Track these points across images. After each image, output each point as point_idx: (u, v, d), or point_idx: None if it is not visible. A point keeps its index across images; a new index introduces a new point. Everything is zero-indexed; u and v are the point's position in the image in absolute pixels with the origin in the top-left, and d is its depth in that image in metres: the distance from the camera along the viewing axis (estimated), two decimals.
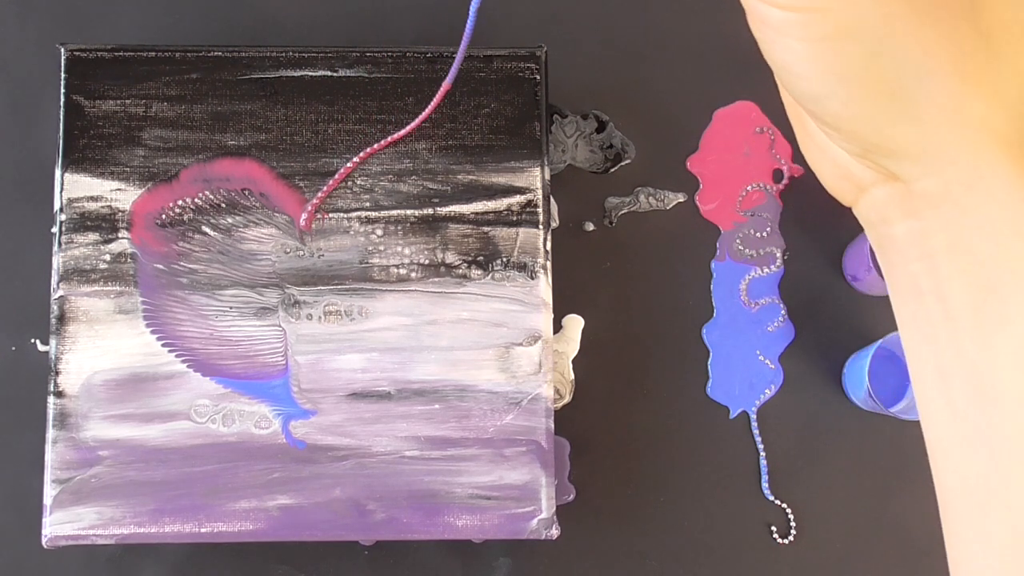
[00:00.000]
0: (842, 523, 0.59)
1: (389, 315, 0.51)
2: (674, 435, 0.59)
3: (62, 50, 0.52)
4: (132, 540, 0.49)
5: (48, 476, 0.49)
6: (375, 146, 0.52)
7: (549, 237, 0.52)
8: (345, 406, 0.51)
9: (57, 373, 0.50)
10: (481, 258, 0.52)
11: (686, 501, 0.59)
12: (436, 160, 0.52)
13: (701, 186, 0.61)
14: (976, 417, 0.27)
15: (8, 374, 0.58)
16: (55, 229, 0.51)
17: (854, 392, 0.58)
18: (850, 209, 0.31)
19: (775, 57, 0.27)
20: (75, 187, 0.51)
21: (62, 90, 0.52)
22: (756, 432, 0.59)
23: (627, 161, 0.61)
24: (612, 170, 0.61)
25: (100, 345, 0.50)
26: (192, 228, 0.51)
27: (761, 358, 0.60)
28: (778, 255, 0.61)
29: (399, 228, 0.52)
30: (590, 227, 0.60)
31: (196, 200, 0.52)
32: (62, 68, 0.52)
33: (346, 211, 0.52)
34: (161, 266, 0.51)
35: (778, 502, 0.59)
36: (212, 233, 0.52)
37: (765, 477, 0.59)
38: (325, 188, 0.52)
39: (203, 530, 0.49)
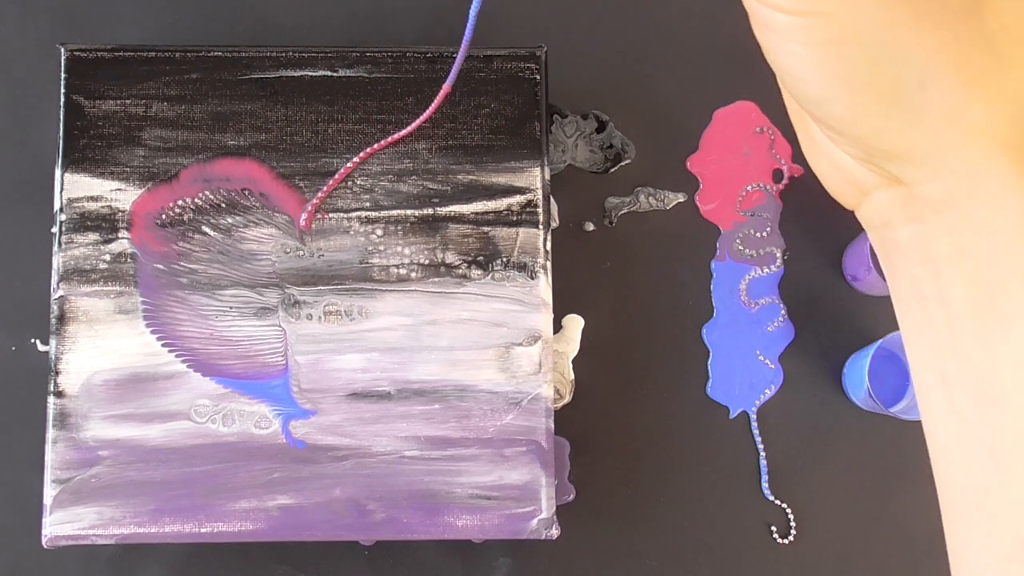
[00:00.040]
0: (842, 523, 0.59)
1: (389, 315, 0.51)
2: (674, 435, 0.59)
3: (62, 50, 0.52)
4: (132, 540, 0.49)
5: (48, 476, 0.49)
6: (375, 146, 0.52)
7: (549, 237, 0.52)
8: (345, 406, 0.51)
9: (57, 373, 0.50)
10: (481, 258, 0.52)
11: (686, 501, 0.59)
12: (436, 160, 0.52)
13: (701, 186, 0.61)
14: (978, 420, 0.27)
15: (8, 374, 0.58)
16: (55, 229, 0.51)
17: (854, 392, 0.58)
18: (851, 210, 0.31)
19: (779, 61, 0.27)
20: (75, 187, 0.51)
21: (62, 90, 0.52)
22: (756, 432, 0.59)
23: (627, 161, 0.61)
24: (612, 170, 0.61)
25: (100, 345, 0.50)
26: (192, 228, 0.51)
27: (761, 358, 0.60)
28: (778, 255, 0.61)
29: (399, 228, 0.52)
30: (590, 227, 0.60)
31: (196, 200, 0.52)
32: (62, 68, 0.52)
33: (346, 211, 0.52)
34: (161, 266, 0.51)
35: (778, 502, 0.59)
36: (212, 233, 0.52)
37: (765, 477, 0.59)
38: (325, 188, 0.52)
39: (203, 530, 0.49)
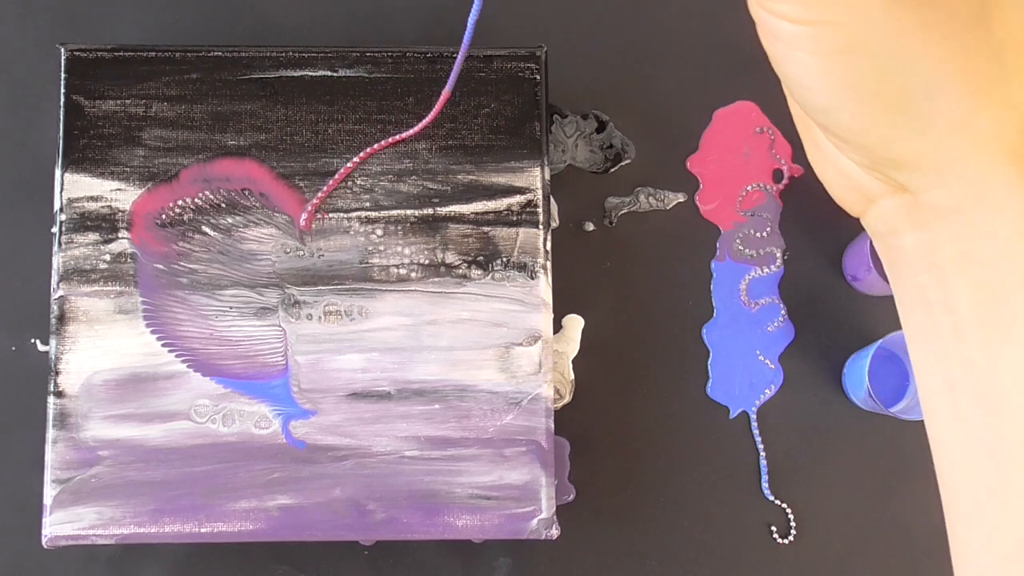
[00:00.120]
0: (842, 523, 0.59)
1: (389, 315, 0.51)
2: (674, 435, 0.59)
3: (62, 50, 0.52)
4: (132, 540, 0.49)
5: (48, 476, 0.49)
6: (375, 146, 0.52)
7: (549, 237, 0.52)
8: (345, 406, 0.51)
9: (57, 373, 0.50)
10: (481, 258, 0.52)
11: (686, 501, 0.59)
12: (436, 160, 0.52)
13: (701, 186, 0.61)
14: (983, 427, 0.27)
15: (8, 374, 0.58)
16: (55, 229, 0.51)
17: (854, 392, 0.58)
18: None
19: (786, 70, 0.27)
20: (75, 187, 0.51)
21: (62, 90, 0.52)
22: (756, 432, 0.59)
23: (627, 161, 0.61)
24: (612, 170, 0.61)
25: (100, 345, 0.50)
26: (192, 228, 0.51)
27: (761, 358, 0.60)
28: (778, 255, 0.61)
29: (399, 228, 0.52)
30: (590, 227, 0.60)
31: (196, 200, 0.52)
32: (62, 68, 0.52)
33: (346, 211, 0.52)
34: (161, 266, 0.51)
35: (778, 502, 0.59)
36: (212, 233, 0.52)
37: (765, 477, 0.59)
38: (325, 188, 0.52)
39: (203, 530, 0.49)
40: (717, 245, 0.61)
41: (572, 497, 0.58)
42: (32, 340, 0.58)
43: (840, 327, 0.60)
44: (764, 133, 0.62)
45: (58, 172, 0.51)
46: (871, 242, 0.56)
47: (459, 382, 0.51)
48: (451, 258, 0.52)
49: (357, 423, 0.50)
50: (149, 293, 0.51)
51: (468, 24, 0.41)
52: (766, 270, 0.61)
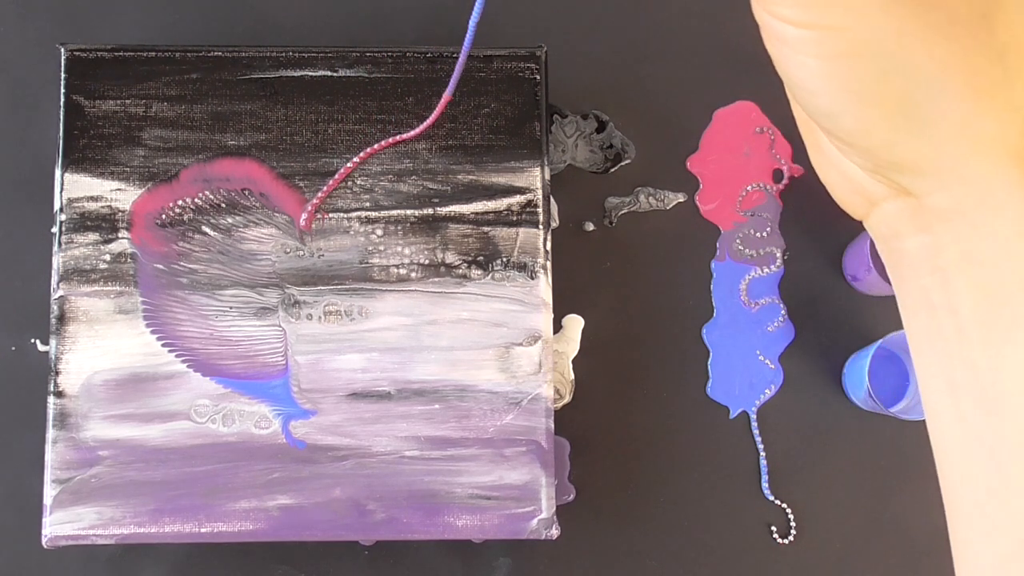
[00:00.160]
0: (842, 523, 0.59)
1: (389, 315, 0.51)
2: (674, 435, 0.59)
3: (62, 50, 0.52)
4: (132, 540, 0.49)
5: (48, 476, 0.49)
6: (375, 146, 0.52)
7: (549, 237, 0.52)
8: (345, 406, 0.51)
9: (57, 373, 0.50)
10: (481, 258, 0.52)
11: (686, 501, 0.59)
12: (436, 160, 0.52)
13: (701, 186, 0.61)
14: (985, 429, 0.27)
15: (8, 374, 0.58)
16: (55, 229, 0.51)
17: (854, 392, 0.58)
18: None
19: (790, 73, 0.27)
20: (75, 187, 0.51)
21: (62, 90, 0.52)
22: (756, 432, 0.59)
23: (627, 161, 0.61)
24: (612, 170, 0.61)
25: (100, 345, 0.50)
26: (192, 228, 0.51)
27: (761, 358, 0.60)
28: (778, 255, 0.61)
29: (399, 228, 0.52)
30: (590, 227, 0.60)
31: (196, 200, 0.52)
32: (62, 68, 0.52)
33: (346, 211, 0.52)
34: (161, 266, 0.51)
35: (778, 502, 0.59)
36: (212, 233, 0.52)
37: (765, 477, 0.59)
38: (325, 188, 0.52)
39: (203, 530, 0.49)
40: (717, 245, 0.61)
41: (572, 497, 0.58)
42: (32, 340, 0.58)
43: (840, 327, 0.60)
44: (764, 133, 0.62)
45: (58, 172, 0.51)
46: (871, 242, 0.56)
47: (459, 382, 0.51)
48: (451, 258, 0.52)
49: (357, 423, 0.50)
50: (149, 293, 0.51)
51: (469, 26, 0.41)
52: (766, 270, 0.61)
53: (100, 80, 0.52)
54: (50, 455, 0.49)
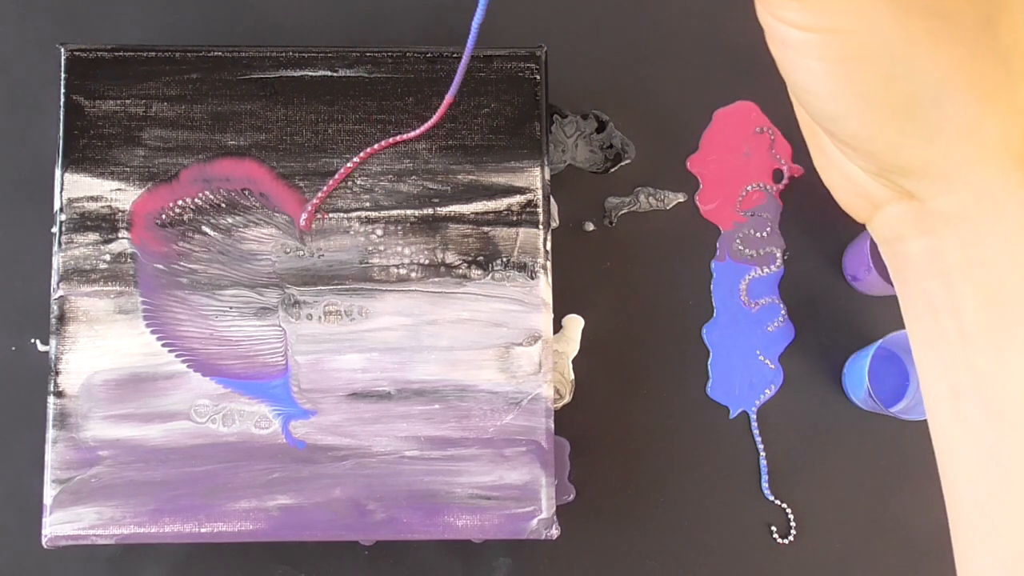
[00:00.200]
0: (842, 523, 0.59)
1: (389, 315, 0.51)
2: (674, 435, 0.59)
3: (62, 50, 0.52)
4: (132, 540, 0.49)
5: (48, 476, 0.49)
6: (375, 146, 0.52)
7: (549, 237, 0.52)
8: (345, 406, 0.51)
9: (57, 373, 0.50)
10: (481, 258, 0.52)
11: (686, 501, 0.59)
12: (436, 160, 0.52)
13: (701, 186, 0.61)
14: (988, 433, 0.27)
15: (8, 374, 0.58)
16: (55, 229, 0.51)
17: (854, 392, 0.58)
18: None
19: (794, 77, 0.27)
20: (75, 187, 0.51)
21: (62, 90, 0.52)
22: (756, 432, 0.59)
23: (627, 161, 0.61)
24: (612, 170, 0.61)
25: (100, 345, 0.50)
26: (192, 228, 0.51)
27: (761, 358, 0.60)
28: (778, 255, 0.61)
29: (399, 228, 0.52)
30: (590, 227, 0.60)
31: (196, 200, 0.52)
32: (62, 68, 0.52)
33: (346, 211, 0.52)
34: (161, 266, 0.51)
35: (778, 502, 0.59)
36: (212, 233, 0.52)
37: (765, 477, 0.59)
38: (325, 188, 0.52)
39: (203, 530, 0.49)
40: (717, 245, 0.61)
41: (572, 497, 0.58)
42: (32, 340, 0.58)
43: (840, 327, 0.60)
44: (764, 133, 0.62)
45: (58, 172, 0.51)
46: (871, 242, 0.56)
47: (459, 382, 0.51)
48: (451, 258, 0.52)
49: (357, 423, 0.50)
50: (149, 293, 0.51)
51: (472, 28, 0.41)
52: (766, 270, 0.61)
53: (100, 80, 0.52)
54: (50, 455, 0.49)
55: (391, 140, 0.52)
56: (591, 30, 0.62)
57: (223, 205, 0.52)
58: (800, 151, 0.61)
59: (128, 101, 0.52)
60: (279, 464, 0.50)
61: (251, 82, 0.52)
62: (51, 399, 0.50)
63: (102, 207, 0.51)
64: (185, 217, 0.51)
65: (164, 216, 0.51)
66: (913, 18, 0.25)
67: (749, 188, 0.61)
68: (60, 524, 0.49)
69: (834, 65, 0.26)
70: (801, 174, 0.61)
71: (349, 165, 0.52)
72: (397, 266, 0.52)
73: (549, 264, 0.52)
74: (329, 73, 0.53)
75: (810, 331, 0.60)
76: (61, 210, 0.51)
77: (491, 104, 0.53)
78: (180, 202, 0.52)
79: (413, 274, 0.52)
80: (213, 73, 0.52)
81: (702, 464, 0.59)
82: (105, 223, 0.51)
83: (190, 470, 0.50)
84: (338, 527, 0.50)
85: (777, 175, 0.62)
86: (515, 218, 0.52)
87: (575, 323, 0.59)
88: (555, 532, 0.50)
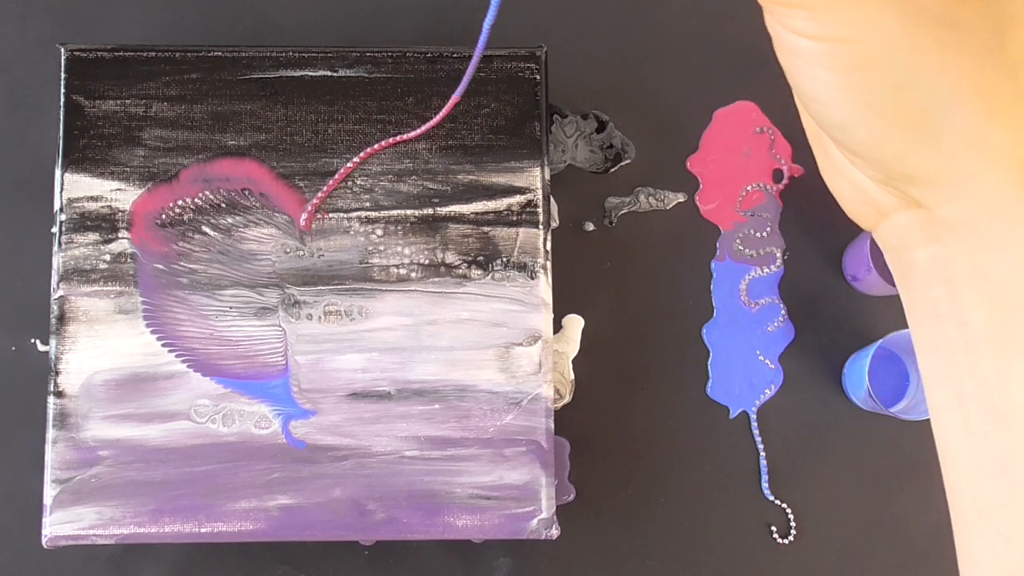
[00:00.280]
0: (842, 523, 0.59)
1: (389, 315, 0.51)
2: (674, 435, 0.59)
3: (62, 50, 0.52)
4: (132, 540, 0.49)
5: (48, 476, 0.49)
6: (375, 146, 0.52)
7: (549, 237, 0.52)
8: (345, 406, 0.51)
9: (57, 373, 0.50)
10: (481, 258, 0.52)
11: (686, 501, 0.59)
12: (436, 160, 0.52)
13: (701, 186, 0.61)
14: (994, 441, 0.27)
15: (8, 374, 0.58)
16: (55, 229, 0.51)
17: (854, 392, 0.58)
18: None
19: (803, 86, 0.27)
20: (75, 187, 0.51)
21: (62, 90, 0.52)
22: (756, 432, 0.59)
23: (627, 161, 0.61)
24: (612, 170, 0.61)
25: (100, 345, 0.50)
26: (192, 228, 0.51)
27: (761, 358, 0.60)
28: (778, 255, 0.61)
29: (399, 228, 0.52)
30: (590, 227, 0.60)
31: (196, 200, 0.52)
32: (62, 68, 0.52)
33: (346, 211, 0.52)
34: (161, 266, 0.51)
35: (778, 502, 0.59)
36: (212, 233, 0.52)
37: (765, 477, 0.59)
38: (325, 188, 0.52)
39: (203, 530, 0.49)
40: (717, 245, 0.61)
41: (572, 497, 0.58)
42: (32, 340, 0.58)
43: (840, 327, 0.60)
44: (764, 133, 0.62)
45: (58, 172, 0.51)
46: (871, 242, 0.56)
47: (459, 382, 0.51)
48: (451, 258, 0.52)
49: (357, 423, 0.50)
50: (149, 293, 0.51)
51: (483, 28, 0.41)
52: (766, 270, 0.61)
53: (100, 80, 0.52)
54: (50, 455, 0.49)
55: (391, 140, 0.52)
56: (591, 30, 0.62)
57: (223, 205, 0.52)
58: (800, 151, 0.61)
59: (128, 101, 0.52)
60: (279, 464, 0.50)
61: (251, 82, 0.52)
62: (51, 399, 0.50)
63: (102, 207, 0.51)
64: (185, 217, 0.51)
65: (164, 216, 0.51)
66: (922, 28, 0.25)
67: (749, 188, 0.61)
68: (60, 524, 0.49)
69: (842, 74, 0.26)
70: (801, 174, 0.61)
71: (349, 165, 0.52)
72: (397, 266, 0.52)
73: (549, 264, 0.52)
74: (329, 73, 0.53)
75: (810, 331, 0.60)
76: (61, 210, 0.51)
77: (491, 104, 0.53)
78: (180, 202, 0.52)
79: (413, 274, 0.52)
80: (213, 73, 0.52)
81: (702, 464, 0.59)
82: (105, 223, 0.51)
83: (190, 470, 0.50)
84: (338, 527, 0.50)
85: (777, 175, 0.62)
86: (515, 218, 0.52)
87: (575, 323, 0.59)
88: (555, 532, 0.50)
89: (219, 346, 0.51)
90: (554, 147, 0.60)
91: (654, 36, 0.62)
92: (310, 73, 0.53)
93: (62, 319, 0.50)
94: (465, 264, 0.52)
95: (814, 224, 0.61)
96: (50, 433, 0.49)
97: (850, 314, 0.60)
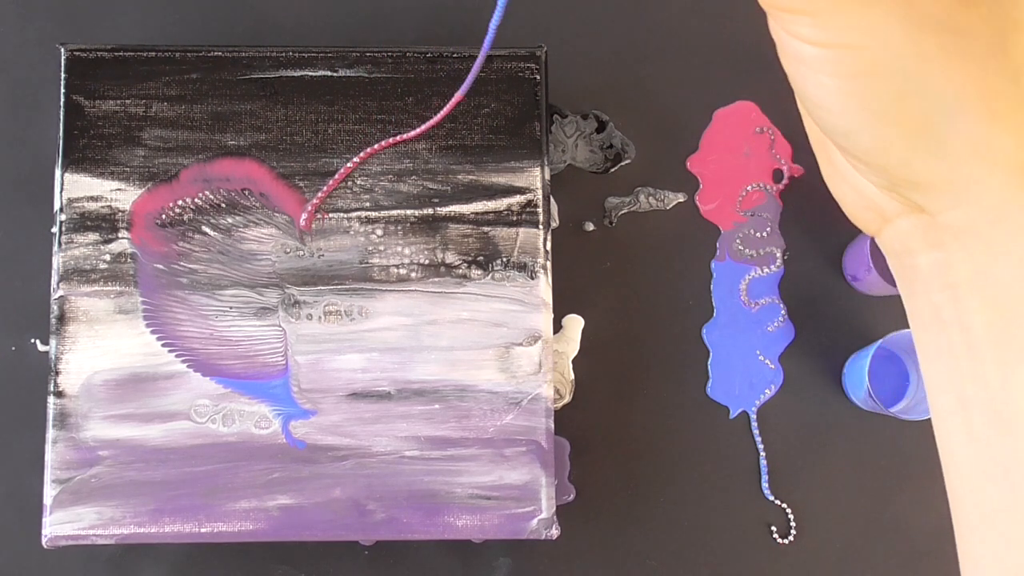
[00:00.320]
0: (842, 523, 0.59)
1: (389, 315, 0.51)
2: (674, 435, 0.59)
3: (62, 50, 0.52)
4: (132, 540, 0.49)
5: (48, 476, 0.49)
6: (375, 146, 0.52)
7: (549, 237, 0.52)
8: (345, 406, 0.51)
9: (57, 373, 0.50)
10: (481, 258, 0.52)
11: (686, 501, 0.59)
12: (436, 160, 0.52)
13: (701, 186, 0.61)
14: (996, 446, 0.27)
15: (8, 374, 0.58)
16: (55, 229, 0.51)
17: (854, 392, 0.58)
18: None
19: (807, 92, 0.27)
20: (75, 187, 0.51)
21: (62, 90, 0.52)
22: (756, 432, 0.59)
23: (627, 161, 0.61)
24: (612, 170, 0.61)
25: (100, 345, 0.50)
26: (192, 228, 0.51)
27: (761, 358, 0.60)
28: (778, 255, 0.61)
29: (399, 228, 0.52)
30: (590, 227, 0.60)
31: (196, 200, 0.52)
32: (62, 68, 0.52)
33: (346, 211, 0.52)
34: (161, 266, 0.51)
35: (778, 502, 0.59)
36: (212, 233, 0.52)
37: (765, 477, 0.59)
38: (325, 188, 0.52)
39: (203, 530, 0.49)
40: (717, 245, 0.61)
41: (572, 497, 0.58)
42: (32, 340, 0.58)
43: (840, 327, 0.60)
44: (764, 133, 0.62)
45: (58, 172, 0.51)
46: (871, 242, 0.56)
47: (459, 382, 0.51)
48: (451, 258, 0.52)
49: (357, 423, 0.50)
50: (149, 293, 0.51)
51: (489, 29, 0.41)
52: (766, 270, 0.61)
53: (100, 80, 0.52)
54: (50, 455, 0.49)
55: (391, 140, 0.52)
56: (591, 30, 0.62)
57: (223, 205, 0.52)
58: (800, 151, 0.61)
59: (128, 101, 0.52)
60: (279, 464, 0.50)
61: (251, 82, 0.52)
62: (51, 399, 0.50)
63: (102, 207, 0.51)
64: (185, 217, 0.51)
65: (164, 216, 0.51)
66: (926, 34, 0.25)
67: (749, 188, 0.61)
68: (60, 524, 0.49)
69: (847, 80, 0.26)
70: (801, 174, 0.61)
71: (349, 165, 0.52)
72: (397, 266, 0.52)
73: (549, 264, 0.52)
74: (329, 73, 0.53)
75: (810, 331, 0.60)
76: (61, 210, 0.51)
77: (491, 104, 0.53)
78: (180, 202, 0.52)
79: (413, 274, 0.52)
80: (213, 73, 0.52)
81: (702, 464, 0.59)
82: (105, 223, 0.51)
83: (190, 470, 0.50)
84: (338, 527, 0.50)
85: (777, 175, 0.62)
86: (515, 218, 0.52)
87: (575, 323, 0.59)
88: (555, 532, 0.50)
89: (219, 346, 0.51)
90: (554, 147, 0.60)
91: (654, 36, 0.62)
92: (310, 73, 0.53)
93: (62, 319, 0.50)
94: (465, 264, 0.52)
95: (814, 224, 0.61)
96: (50, 433, 0.49)
97: (850, 314, 0.60)
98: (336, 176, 0.52)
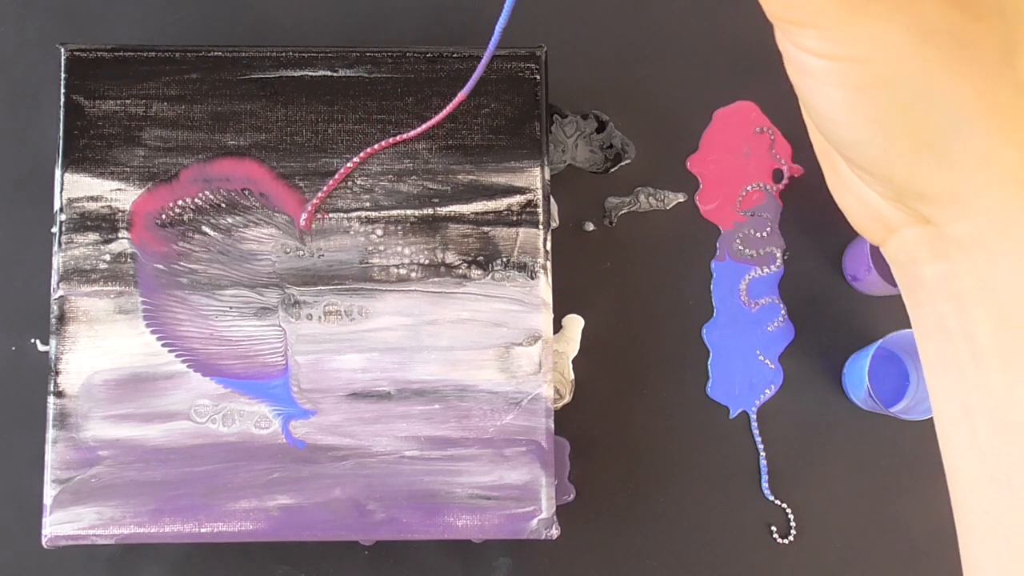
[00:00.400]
0: (842, 523, 0.59)
1: (389, 315, 0.51)
2: (674, 435, 0.59)
3: (62, 50, 0.52)
4: (132, 540, 0.49)
5: (48, 476, 0.49)
6: (375, 146, 0.52)
7: (549, 237, 0.52)
8: (345, 406, 0.51)
9: (57, 373, 0.50)
10: (481, 258, 0.52)
11: (686, 501, 0.59)
12: (436, 160, 0.52)
13: (701, 186, 0.61)
14: (1001, 455, 0.27)
15: (8, 374, 0.58)
16: (55, 229, 0.51)
17: (854, 392, 0.58)
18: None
19: (813, 104, 0.27)
20: (75, 187, 0.51)
21: (62, 90, 0.52)
22: (756, 432, 0.59)
23: (627, 161, 0.61)
24: (612, 170, 0.61)
25: (100, 345, 0.50)
26: (192, 228, 0.51)
27: (761, 358, 0.60)
28: (778, 255, 0.61)
29: (399, 228, 0.52)
30: (590, 227, 0.60)
31: (196, 200, 0.52)
32: (62, 68, 0.52)
33: (346, 211, 0.52)
34: (161, 266, 0.51)
35: (778, 502, 0.59)
36: (212, 233, 0.52)
37: (765, 477, 0.59)
38: (325, 188, 0.52)
39: (203, 530, 0.49)
40: (717, 245, 0.61)
41: (572, 497, 0.58)
42: (32, 340, 0.58)
43: (840, 327, 0.60)
44: (764, 133, 0.62)
45: (58, 172, 0.51)
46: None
47: (459, 382, 0.51)
48: (451, 258, 0.52)
49: (357, 423, 0.50)
50: (149, 293, 0.51)
51: (496, 30, 0.41)
52: (766, 270, 0.61)
53: (100, 80, 0.52)
54: (50, 455, 0.49)
55: (391, 140, 0.52)
56: (591, 30, 0.62)
57: (223, 205, 0.52)
58: (800, 151, 0.61)
59: (128, 101, 0.52)
60: (279, 464, 0.50)
61: (251, 82, 0.52)
62: (51, 399, 0.50)
63: (102, 207, 0.51)
64: (185, 217, 0.51)
65: (164, 216, 0.51)
66: (932, 46, 0.25)
67: (749, 188, 0.61)
68: (60, 524, 0.49)
69: (853, 92, 0.26)
70: (801, 174, 0.61)
71: (349, 165, 0.52)
72: (397, 266, 0.52)
73: (549, 264, 0.52)
74: (329, 73, 0.53)
75: (810, 331, 0.60)
76: (61, 210, 0.51)
77: (491, 104, 0.53)
78: (180, 202, 0.52)
79: (413, 274, 0.52)
80: (213, 73, 0.52)
81: (702, 464, 0.59)
82: (105, 223, 0.51)
83: (190, 470, 0.50)
84: (338, 527, 0.50)
85: (777, 175, 0.62)
86: (515, 218, 0.52)
87: (575, 323, 0.59)
88: (555, 532, 0.50)
89: (219, 346, 0.51)
90: (554, 147, 0.60)
91: (654, 36, 0.62)
92: (310, 73, 0.53)
93: (62, 319, 0.50)
94: (465, 264, 0.52)
95: (814, 224, 0.61)
96: (50, 433, 0.49)
97: (850, 314, 0.60)
98: (336, 176, 0.52)
